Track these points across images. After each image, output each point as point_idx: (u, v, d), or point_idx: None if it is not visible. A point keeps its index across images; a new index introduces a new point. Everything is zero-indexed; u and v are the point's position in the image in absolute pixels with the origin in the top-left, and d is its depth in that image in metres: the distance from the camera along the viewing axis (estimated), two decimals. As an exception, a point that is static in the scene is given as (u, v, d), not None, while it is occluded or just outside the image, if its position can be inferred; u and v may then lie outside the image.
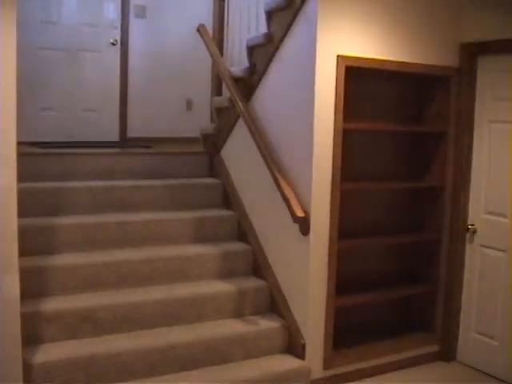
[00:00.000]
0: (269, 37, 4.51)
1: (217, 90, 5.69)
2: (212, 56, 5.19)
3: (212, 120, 5.99)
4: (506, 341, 4.63)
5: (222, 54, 5.45)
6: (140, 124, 6.85)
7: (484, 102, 4.77)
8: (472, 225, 4.87)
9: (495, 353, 4.71)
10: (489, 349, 4.76)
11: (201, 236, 4.88)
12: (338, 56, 4.16)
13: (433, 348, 4.98)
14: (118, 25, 6.74)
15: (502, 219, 4.67)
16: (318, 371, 4.36)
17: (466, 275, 4.94)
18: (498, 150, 4.68)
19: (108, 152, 5.42)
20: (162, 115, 6.94)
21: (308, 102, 4.18)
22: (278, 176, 4.36)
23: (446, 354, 4.98)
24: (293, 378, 4.21)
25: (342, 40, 4.18)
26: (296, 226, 4.27)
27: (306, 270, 4.28)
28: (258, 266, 4.76)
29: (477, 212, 4.86)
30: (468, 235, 4.91)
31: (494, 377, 4.70)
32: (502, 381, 4.62)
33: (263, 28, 4.66)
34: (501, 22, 4.42)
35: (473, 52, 4.75)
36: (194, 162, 5.49)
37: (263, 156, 4.48)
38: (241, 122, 4.88)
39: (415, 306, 5.15)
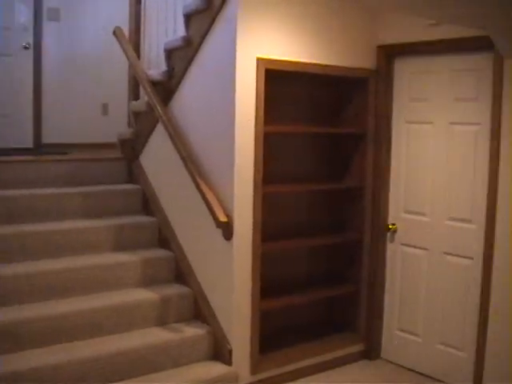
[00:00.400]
0: (187, 40, 4.45)
1: (134, 94, 5.58)
2: (129, 59, 5.08)
3: (129, 125, 5.87)
4: (429, 337, 4.72)
5: (139, 57, 5.35)
6: (55, 129, 6.66)
7: (401, 103, 4.86)
8: (393, 224, 4.95)
9: (418, 349, 4.80)
10: (412, 345, 4.85)
11: (121, 244, 4.76)
12: (257, 59, 4.14)
13: (358, 347, 5.03)
14: (31, 28, 6.53)
15: (421, 218, 4.76)
16: (245, 376, 4.33)
17: (388, 274, 5.02)
18: (416, 150, 4.77)
19: (21, 159, 5.19)
20: (78, 120, 6.78)
21: (228, 105, 4.14)
22: (199, 181, 4.30)
23: (371, 352, 5.04)
24: (220, 384, 4.17)
25: (261, 43, 4.16)
26: (219, 231, 4.22)
27: (230, 275, 4.23)
28: (181, 273, 4.68)
29: (397, 211, 4.94)
30: (389, 235, 4.99)
31: (418, 372, 4.79)
32: (427, 376, 4.72)
33: (181, 31, 4.59)
34: (416, 25, 4.50)
35: (389, 54, 4.83)
36: (112, 168, 5.35)
37: (184, 161, 4.41)
38: (160, 127, 4.79)
39: (339, 306, 5.19)
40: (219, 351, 4.32)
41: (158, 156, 4.96)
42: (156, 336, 4.19)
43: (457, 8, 3.00)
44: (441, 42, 4.42)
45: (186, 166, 4.39)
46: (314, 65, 4.48)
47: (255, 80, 4.16)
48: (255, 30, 4.12)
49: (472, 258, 4.42)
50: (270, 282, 4.58)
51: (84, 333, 4.06)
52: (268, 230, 4.47)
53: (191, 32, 4.44)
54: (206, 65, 4.37)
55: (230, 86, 4.12)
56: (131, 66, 5.24)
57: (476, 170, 4.37)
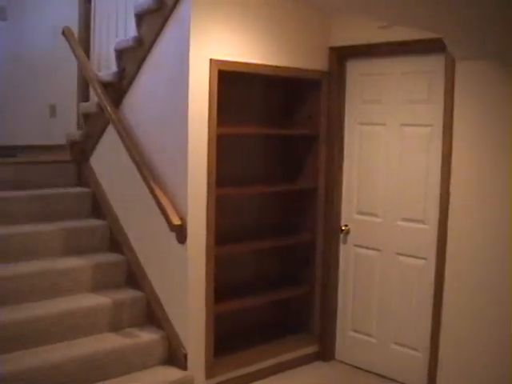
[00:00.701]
0: (139, 40, 4.38)
1: (83, 95, 5.48)
2: (78, 60, 4.98)
3: (79, 126, 5.75)
4: (383, 337, 4.75)
5: (88, 57, 5.25)
6: (1, 131, 6.48)
7: (353, 105, 4.88)
8: (345, 225, 4.96)
9: (373, 350, 4.83)
10: (366, 346, 4.87)
11: (72, 248, 4.65)
12: (211, 60, 4.10)
13: (312, 349, 5.03)
14: (-24, 27, 6.36)
15: (374, 219, 4.78)
16: (200, 380, 4.28)
17: (341, 275, 5.03)
18: (368, 152, 4.79)
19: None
20: (25, 122, 6.61)
21: (181, 107, 4.09)
22: (152, 184, 4.24)
23: (325, 353, 5.05)
24: (176, 389, 4.12)
25: (215, 44, 4.13)
26: (172, 235, 4.16)
27: (185, 279, 4.18)
28: (134, 277, 4.60)
29: (349, 212, 4.95)
30: (342, 236, 5.00)
31: (372, 373, 4.81)
32: (381, 376, 4.75)
33: (133, 31, 4.52)
34: (368, 27, 4.52)
35: (341, 56, 4.84)
36: (61, 170, 5.23)
37: (136, 163, 4.34)
38: (110, 129, 4.71)
39: (293, 307, 5.19)
40: (174, 356, 4.27)
41: (108, 158, 4.87)
42: (109, 342, 4.11)
43: (409, 10, 3.01)
44: (393, 44, 4.45)
45: (138, 168, 4.32)
46: (267, 66, 4.46)
47: (208, 81, 4.12)
48: (208, 31, 4.08)
49: (425, 259, 4.46)
50: (224, 285, 4.54)
51: (33, 341, 3.93)
52: (222, 232, 4.44)
53: (143, 32, 4.37)
54: (158, 66, 4.31)
55: (182, 88, 4.07)
56: (81, 67, 5.14)
57: (428, 170, 4.42)
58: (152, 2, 4.18)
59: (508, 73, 3.86)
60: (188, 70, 4.02)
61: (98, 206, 4.97)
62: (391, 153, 4.65)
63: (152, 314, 4.45)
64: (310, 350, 5.02)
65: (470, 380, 4.12)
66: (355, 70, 4.85)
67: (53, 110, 6.79)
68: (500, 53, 3.80)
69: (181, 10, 4.04)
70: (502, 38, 3.45)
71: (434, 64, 4.31)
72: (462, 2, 2.70)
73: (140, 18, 4.39)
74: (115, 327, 4.31)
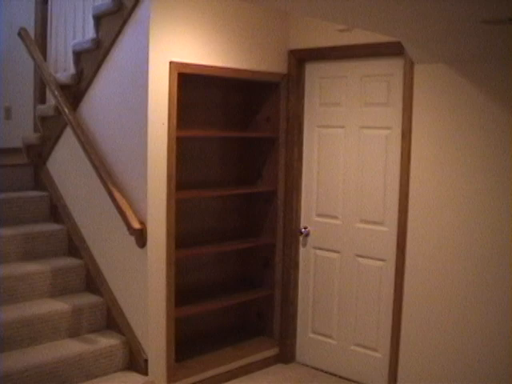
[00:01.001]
0: (97, 42, 4.33)
1: (40, 98, 5.39)
2: (35, 61, 4.89)
3: (36, 129, 5.66)
4: (343, 339, 4.77)
5: (45, 59, 5.16)
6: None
7: (313, 108, 4.89)
8: (305, 228, 4.97)
9: (333, 351, 4.85)
10: (327, 348, 4.89)
11: (29, 253, 4.58)
12: (170, 62, 4.07)
13: (272, 351, 5.03)
14: None
15: (333, 221, 4.80)
16: (161, 386, 4.26)
17: (301, 277, 5.04)
18: (328, 154, 4.81)
19: None
20: (-21, 124, 6.50)
21: (141, 109, 4.05)
22: (111, 187, 4.19)
23: (286, 356, 5.05)
24: (136, 395, 4.07)
25: (174, 46, 4.10)
26: (132, 239, 4.13)
27: (144, 283, 4.14)
28: (93, 282, 4.55)
29: (309, 215, 4.97)
30: (301, 238, 5.01)
31: (333, 374, 4.84)
32: (342, 377, 4.77)
33: (91, 33, 4.46)
34: (328, 30, 4.54)
35: (300, 59, 4.86)
36: (17, 174, 5.13)
37: (95, 167, 4.28)
38: (68, 132, 4.64)
39: (254, 310, 5.18)
40: (135, 361, 4.22)
41: (66, 161, 4.80)
42: (68, 348, 4.05)
43: (368, 14, 3.03)
44: (351, 47, 4.48)
45: (96, 171, 4.27)
46: (227, 69, 4.45)
47: (168, 84, 4.09)
48: (168, 34, 4.05)
49: (384, 260, 4.50)
50: (184, 289, 4.52)
51: (-9, 348, 3.87)
52: (182, 235, 4.42)
53: (101, 34, 4.32)
54: (117, 68, 4.27)
55: (142, 91, 4.03)
56: (37, 69, 5.05)
57: (387, 173, 4.45)
58: (111, 3, 4.14)
59: (465, 76, 3.91)
60: (147, 72, 3.99)
61: (55, 210, 4.90)
62: (350, 155, 4.68)
63: (112, 320, 4.40)
64: (271, 352, 5.02)
65: (430, 380, 4.17)
66: (314, 73, 4.87)
67: (8, 113, 6.66)
68: (458, 56, 3.85)
69: (140, 12, 4.01)
70: (459, 42, 3.50)
71: (393, 67, 4.35)
72: (420, 8, 2.72)
73: (98, 19, 4.34)
74: (74, 333, 4.25)
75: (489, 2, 2.52)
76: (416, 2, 2.58)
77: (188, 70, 4.19)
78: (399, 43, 4.00)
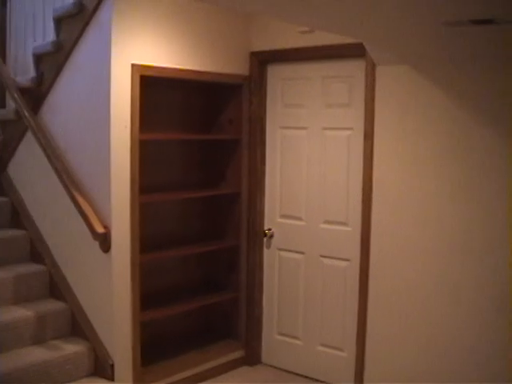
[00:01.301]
0: (58, 45, 4.28)
1: (0, 102, 5.30)
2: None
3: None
4: (309, 339, 4.79)
5: (5, 62, 5.08)
6: None
7: (275, 109, 4.91)
8: (269, 229, 4.98)
9: (299, 352, 4.86)
10: (293, 348, 4.90)
11: (-10, 260, 4.51)
12: (132, 65, 4.05)
13: (238, 354, 5.03)
14: None
15: (297, 222, 4.82)
16: (128, 391, 4.22)
17: (266, 279, 5.05)
18: (290, 156, 4.83)
19: None
20: None
21: (103, 113, 4.02)
22: (74, 192, 4.14)
23: (251, 358, 5.05)
24: (103, 401, 4.03)
25: (136, 48, 4.07)
26: (96, 243, 4.09)
27: (109, 288, 4.10)
28: (57, 288, 4.48)
29: (273, 216, 4.98)
30: (265, 240, 5.02)
31: (300, 375, 4.85)
32: (309, 378, 4.79)
33: (51, 35, 4.40)
34: (289, 32, 4.56)
35: (262, 60, 4.87)
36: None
37: (57, 171, 4.23)
38: (29, 136, 4.56)
39: (220, 313, 5.17)
40: (101, 366, 4.18)
41: (27, 166, 4.72)
42: (33, 356, 3.99)
43: (330, 16, 3.04)
44: (313, 48, 4.51)
45: (59, 176, 4.22)
46: (189, 71, 4.44)
47: (130, 87, 4.06)
48: (130, 36, 4.03)
49: (348, 260, 4.53)
50: (149, 293, 4.49)
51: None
52: (146, 239, 4.38)
53: (62, 37, 4.27)
54: (78, 71, 4.22)
55: (104, 94, 4.00)
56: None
57: (350, 173, 4.49)
58: (72, 5, 4.10)
59: (427, 77, 3.96)
60: (109, 75, 3.95)
61: (17, 216, 4.81)
62: (313, 156, 4.70)
63: (77, 325, 4.35)
64: (237, 355, 5.01)
65: (397, 378, 4.20)
66: (276, 75, 4.88)
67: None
68: (419, 58, 3.90)
69: (101, 14, 3.97)
70: (421, 44, 3.54)
71: (355, 68, 4.39)
72: (382, 10, 2.75)
73: (59, 21, 4.29)
74: (39, 340, 4.19)
75: (449, 4, 2.55)
76: (378, 3, 2.60)
77: (150, 73, 4.17)
78: (361, 45, 4.03)
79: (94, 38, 4.07)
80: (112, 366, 4.13)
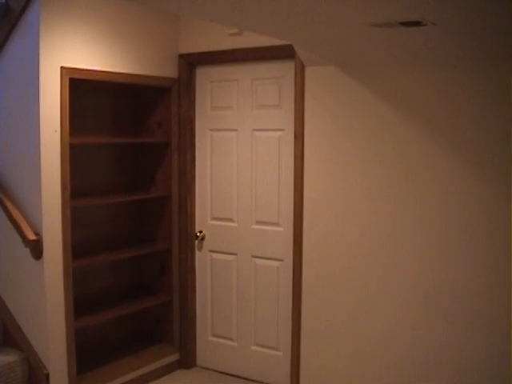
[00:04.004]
0: (-17, 49, 4.17)
1: None
2: None
3: None
4: (244, 340, 4.82)
5: None
6: None
7: (204, 111, 4.91)
8: (200, 231, 4.98)
9: (234, 353, 4.88)
10: (227, 350, 4.92)
11: None
12: (61, 68, 3.97)
13: (173, 357, 5.00)
14: None
15: (229, 223, 4.83)
16: (64, 400, 4.14)
17: (199, 281, 5.05)
18: (221, 158, 4.84)
19: None
20: None
21: (32, 117, 3.93)
22: (3, 197, 4.05)
23: (187, 361, 5.04)
24: (39, 412, 3.94)
25: (65, 51, 4.00)
26: (27, 251, 3.99)
27: (42, 296, 4.01)
28: (-15, 297, 4.37)
29: (204, 219, 4.98)
30: (197, 242, 5.02)
31: (235, 376, 4.87)
32: (245, 378, 4.82)
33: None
34: (218, 34, 4.58)
35: (190, 63, 4.87)
36: None
37: (-16, 178, 4.13)
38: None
39: (153, 317, 5.13)
40: (35, 377, 4.09)
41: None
42: (-37, 368, 3.88)
43: (259, 17, 3.06)
44: (242, 50, 4.53)
45: (-14, 182, 4.11)
46: (118, 74, 4.39)
47: (60, 90, 3.99)
48: (59, 38, 3.95)
49: (281, 260, 4.58)
50: (81, 299, 4.41)
51: None
52: (77, 245, 4.31)
53: (-13, 40, 4.16)
54: (6, 74, 4.12)
55: (33, 98, 3.91)
56: None
57: (281, 174, 4.53)
58: (-3, 8, 4.00)
59: (355, 77, 4.04)
60: (38, 78, 3.87)
61: None
62: (243, 158, 4.73)
63: (9, 336, 4.24)
64: (171, 358, 4.99)
65: (333, 376, 4.27)
66: (205, 77, 4.88)
67: None
68: (348, 59, 3.97)
69: (29, 16, 3.89)
70: (349, 45, 3.60)
71: (285, 70, 4.44)
72: (310, 11, 2.79)
73: (-16, 24, 4.17)
74: (-32, 352, 4.07)
75: (377, 7, 2.62)
76: (306, 5, 2.64)
77: (79, 76, 4.10)
78: (290, 46, 4.08)
79: (21, 40, 3.97)
80: (47, 375, 4.04)
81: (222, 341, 4.95)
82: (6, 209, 4.02)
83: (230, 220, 4.83)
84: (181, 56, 4.86)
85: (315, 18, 2.96)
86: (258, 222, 4.70)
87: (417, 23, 2.95)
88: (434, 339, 3.82)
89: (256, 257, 4.73)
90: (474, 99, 3.61)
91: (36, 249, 3.97)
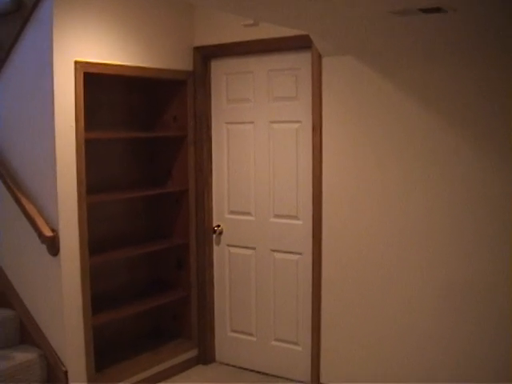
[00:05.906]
0: (-4, 44, 4.14)
1: None
2: None
3: None
4: (263, 335, 4.77)
5: None
6: None
7: (220, 105, 4.85)
8: (218, 226, 4.93)
9: (254, 348, 4.83)
10: (247, 345, 4.87)
11: None
12: (75, 62, 3.92)
13: (192, 353, 4.97)
14: None
15: (246, 217, 4.78)
16: (83, 397, 4.11)
17: (217, 276, 5.00)
18: (238, 151, 4.79)
19: None
20: None
21: (47, 112, 3.88)
22: (19, 195, 4.02)
23: (205, 357, 4.99)
24: (58, 408, 3.91)
25: (79, 45, 3.95)
26: (44, 247, 3.96)
27: (59, 293, 3.98)
28: (3, 295, 4.33)
29: (221, 213, 4.93)
30: (215, 236, 4.96)
31: (255, 371, 4.83)
32: (265, 374, 4.78)
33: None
34: (233, 25, 4.51)
35: (205, 55, 4.81)
36: None
37: (0, 175, 4.09)
38: (-34, 139, 4.41)
39: (172, 313, 5.08)
40: (54, 374, 4.05)
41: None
42: (-18, 366, 3.85)
43: (276, 8, 3.01)
44: (257, 42, 4.47)
45: (2, 179, 4.08)
46: (133, 67, 4.34)
47: (74, 85, 3.94)
48: (72, 32, 3.90)
49: (301, 254, 4.52)
50: (99, 296, 4.38)
51: None
52: (94, 241, 4.27)
53: (1, 35, 4.12)
54: (19, 69, 4.08)
55: (47, 93, 3.86)
56: None
57: (299, 166, 4.47)
58: (9, 2, 3.97)
59: (373, 67, 3.98)
60: (52, 73, 3.82)
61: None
62: (261, 151, 4.66)
63: (26, 333, 4.21)
64: (190, 354, 4.95)
65: (353, 370, 4.23)
66: (220, 69, 4.82)
67: None
68: (365, 48, 3.91)
69: (42, 10, 3.84)
70: (367, 34, 3.54)
71: (301, 61, 4.37)
72: (330, 2, 2.74)
73: (-4, 20, 4.15)
74: (-13, 350, 4.05)
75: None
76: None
77: (94, 70, 4.05)
78: (307, 36, 4.01)
79: (34, 35, 3.93)
80: (65, 372, 4.01)
81: (241, 336, 4.90)
82: (21, 205, 3.98)
83: (248, 214, 4.78)
84: (196, 49, 4.80)
85: (334, 6, 2.90)
86: (276, 216, 4.64)
87: (437, 9, 2.89)
88: (454, 330, 3.76)
89: (275, 250, 4.67)
90: (492, 90, 3.53)
91: (53, 245, 3.93)
